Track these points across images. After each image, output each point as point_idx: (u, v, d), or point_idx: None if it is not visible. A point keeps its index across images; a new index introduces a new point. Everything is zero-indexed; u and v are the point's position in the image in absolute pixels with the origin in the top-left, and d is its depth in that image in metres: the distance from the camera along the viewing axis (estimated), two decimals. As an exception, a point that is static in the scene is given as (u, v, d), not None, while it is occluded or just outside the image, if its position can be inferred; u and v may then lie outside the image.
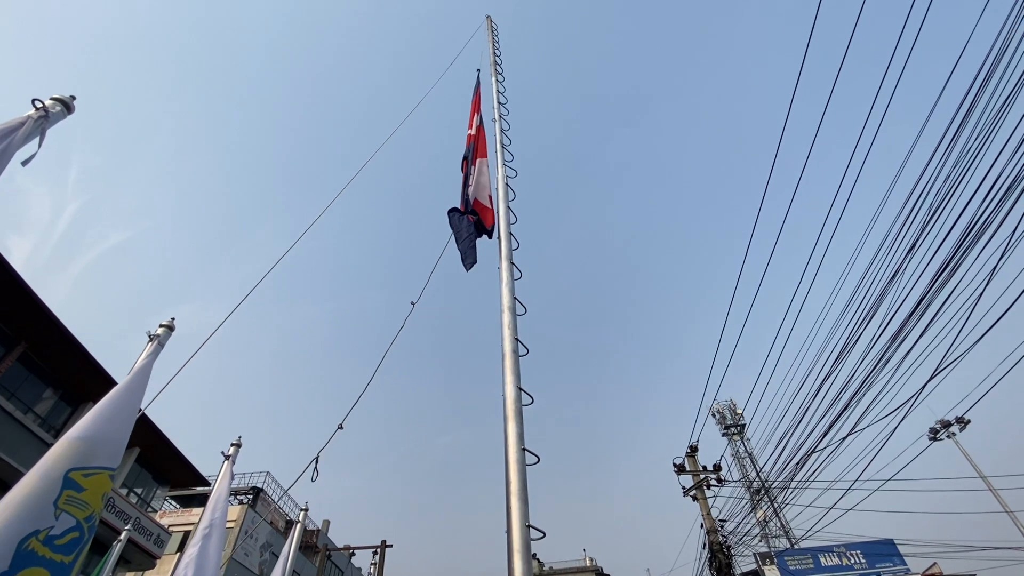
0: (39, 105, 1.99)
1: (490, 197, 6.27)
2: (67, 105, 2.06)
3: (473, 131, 7.22)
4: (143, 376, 2.60)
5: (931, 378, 6.18)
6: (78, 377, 14.19)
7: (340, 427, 5.12)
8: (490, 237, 5.92)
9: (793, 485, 11.28)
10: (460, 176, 6.86)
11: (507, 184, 6.11)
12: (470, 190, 6.32)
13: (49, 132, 2.23)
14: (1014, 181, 4.69)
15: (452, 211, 6.12)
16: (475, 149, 6.84)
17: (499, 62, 8.37)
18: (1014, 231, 4.81)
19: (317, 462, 4.96)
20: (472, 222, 5.97)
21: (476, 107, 7.65)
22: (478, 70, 8.51)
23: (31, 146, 1.96)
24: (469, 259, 5.68)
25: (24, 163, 1.89)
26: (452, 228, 6.04)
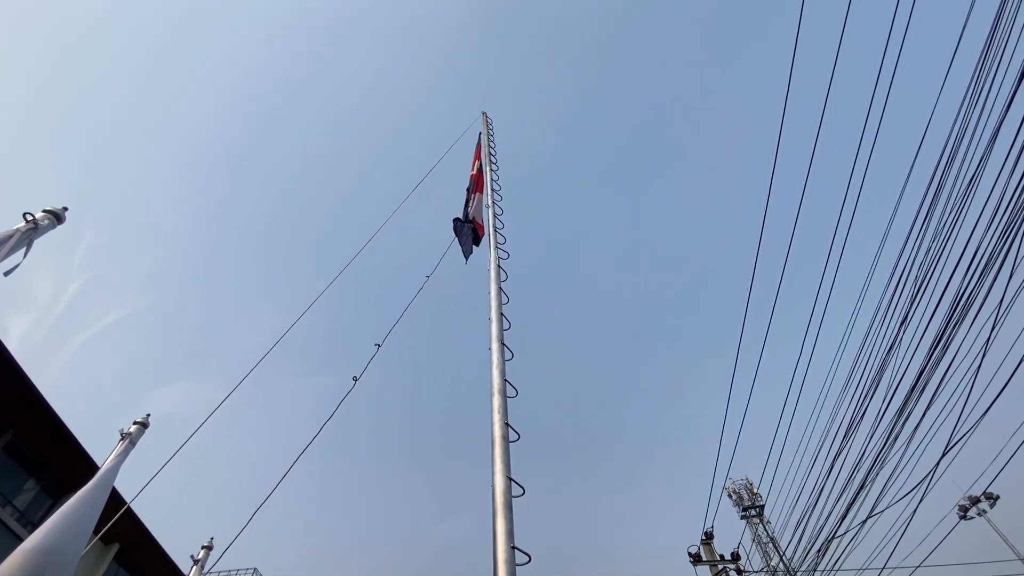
0: (29, 218, 2.13)
1: (483, 220, 8.11)
2: (58, 216, 2.21)
3: (475, 172, 8.94)
4: (108, 479, 2.51)
5: (943, 455, 5.93)
6: (63, 466, 13.68)
7: (378, 346, 5.91)
8: (477, 245, 7.87)
9: (816, 575, 10.43)
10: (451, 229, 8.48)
11: (499, 266, 6.25)
12: (470, 209, 8.10)
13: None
14: (991, 256, 4.81)
15: (456, 219, 7.83)
16: (476, 184, 8.67)
17: (494, 154, 8.90)
18: (1000, 302, 4.86)
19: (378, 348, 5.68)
20: (471, 229, 7.77)
21: (478, 155, 9.22)
22: (480, 133, 9.85)
23: (17, 256, 2.07)
24: (468, 254, 7.51)
25: (6, 273, 1.98)
26: (455, 231, 7.69)
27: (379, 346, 5.95)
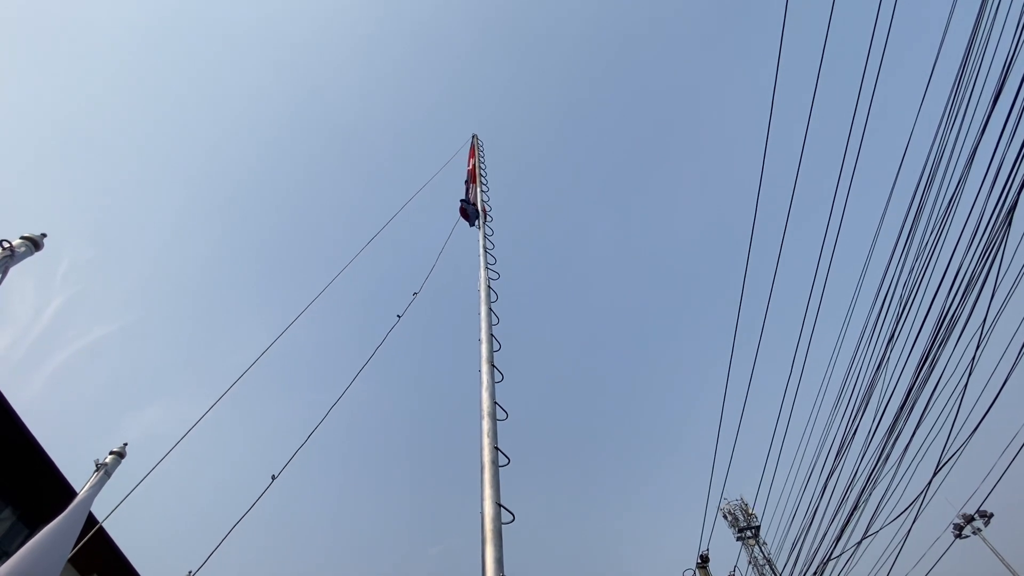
0: (6, 245, 2.11)
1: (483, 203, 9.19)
2: (35, 243, 2.19)
3: (471, 167, 10.10)
4: (82, 510, 2.43)
5: (935, 473, 5.93)
6: (40, 495, 13.25)
7: (416, 293, 6.60)
8: (472, 223, 9.01)
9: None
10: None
11: (489, 286, 6.25)
12: (470, 195, 9.29)
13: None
14: (973, 275, 4.90)
15: (463, 200, 9.14)
16: (472, 176, 9.83)
17: (484, 175, 9.00)
18: (984, 320, 4.93)
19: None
20: (475, 208, 8.94)
21: (472, 154, 10.40)
22: (473, 134, 11.08)
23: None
24: (471, 223, 8.75)
25: (-18, 302, 1.95)
26: (461, 209, 8.97)
27: (416, 294, 6.83)
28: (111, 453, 2.73)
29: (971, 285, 4.97)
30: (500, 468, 3.84)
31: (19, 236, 2.15)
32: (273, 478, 4.68)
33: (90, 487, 2.52)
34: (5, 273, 2.04)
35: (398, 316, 6.53)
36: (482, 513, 3.42)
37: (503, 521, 3.39)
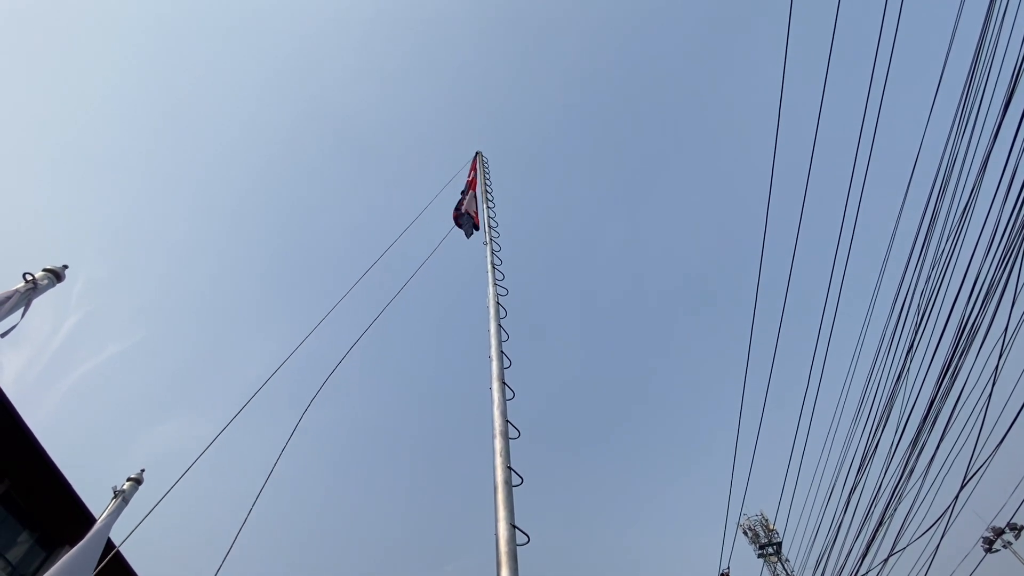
0: (28, 278, 2.16)
1: (476, 209, 9.53)
2: (57, 275, 2.24)
3: (471, 178, 10.35)
4: (99, 538, 2.44)
5: (962, 486, 5.74)
6: (58, 518, 13.33)
7: (383, 309, 6.68)
8: (477, 229, 9.15)
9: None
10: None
11: (498, 302, 6.24)
12: (464, 204, 9.48)
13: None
14: (992, 282, 4.79)
15: (456, 210, 9.29)
16: (470, 184, 10.09)
17: (490, 192, 9.06)
18: (1006, 328, 4.81)
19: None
20: (469, 217, 9.20)
21: (474, 166, 10.70)
22: (477, 151, 11.33)
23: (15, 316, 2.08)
24: (468, 234, 9.06)
25: (3, 335, 1.99)
26: (454, 219, 9.16)
27: (383, 310, 6.93)
28: (129, 480, 2.74)
29: (991, 292, 4.86)
30: (514, 488, 3.79)
31: (41, 268, 2.21)
32: (252, 506, 4.68)
33: (108, 514, 2.53)
34: (28, 306, 2.09)
35: (360, 336, 6.52)
36: (496, 535, 3.37)
37: (518, 543, 3.34)
